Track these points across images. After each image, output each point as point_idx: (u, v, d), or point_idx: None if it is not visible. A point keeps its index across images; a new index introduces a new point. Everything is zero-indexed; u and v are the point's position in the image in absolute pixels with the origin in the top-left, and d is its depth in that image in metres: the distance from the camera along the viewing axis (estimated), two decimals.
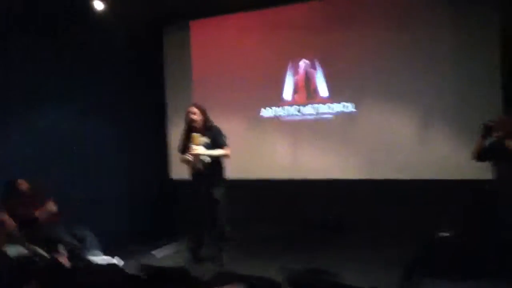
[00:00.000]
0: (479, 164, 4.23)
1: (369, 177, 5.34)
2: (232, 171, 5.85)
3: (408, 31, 5.12)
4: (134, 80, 6.59)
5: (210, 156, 4.36)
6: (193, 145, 4.32)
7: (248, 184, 5.77)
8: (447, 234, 4.43)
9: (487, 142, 4.02)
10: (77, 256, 4.21)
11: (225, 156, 4.47)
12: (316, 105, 5.64)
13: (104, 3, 5.29)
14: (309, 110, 5.69)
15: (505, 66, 4.68)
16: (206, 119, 4.46)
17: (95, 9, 5.29)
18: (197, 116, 4.42)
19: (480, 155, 4.10)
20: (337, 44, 5.47)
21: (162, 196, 6.49)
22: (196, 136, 4.35)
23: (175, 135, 6.41)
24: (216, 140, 4.40)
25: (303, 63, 5.68)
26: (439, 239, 4.35)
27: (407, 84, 5.18)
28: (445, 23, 4.96)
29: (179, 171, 6.25)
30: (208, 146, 4.38)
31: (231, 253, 4.51)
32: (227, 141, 4.47)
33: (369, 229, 5.13)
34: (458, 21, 4.91)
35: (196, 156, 4.33)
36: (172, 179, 6.60)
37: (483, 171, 4.32)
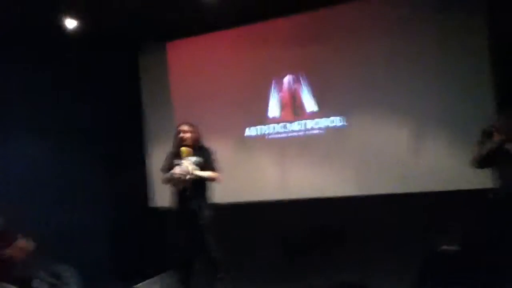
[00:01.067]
0: (478, 172, 4.10)
1: (361, 193, 5.13)
2: (218, 196, 5.63)
3: (395, 42, 5.02)
4: (110, 105, 6.34)
5: (197, 176, 4.08)
6: (183, 161, 4.05)
7: (236, 208, 5.50)
8: (452, 247, 4.29)
9: (488, 148, 3.89)
10: None
11: (214, 179, 4.20)
12: (303, 121, 5.46)
13: (77, 22, 5.02)
14: (296, 126, 5.50)
15: (496, 73, 4.61)
16: (198, 138, 4.21)
17: (67, 28, 5.01)
18: (188, 135, 4.17)
19: (481, 162, 3.97)
20: (323, 57, 5.33)
21: (144, 225, 6.14)
22: (186, 150, 4.09)
23: (155, 160, 6.18)
24: (207, 162, 4.14)
25: (287, 79, 5.52)
26: (442, 253, 4.18)
27: (396, 95, 5.04)
28: (433, 33, 4.88)
29: (161, 198, 6.02)
30: (197, 165, 4.11)
31: (225, 282, 4.18)
32: (218, 166, 4.23)
33: (366, 245, 4.91)
34: (446, 30, 4.83)
35: (182, 173, 4.04)
36: (153, 207, 6.27)
37: (482, 180, 4.20)
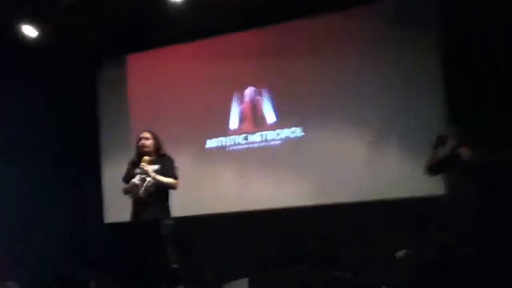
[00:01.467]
0: (432, 180, 4.26)
1: (320, 202, 5.19)
2: (178, 208, 5.54)
3: (352, 58, 5.19)
4: (65, 117, 6.17)
5: (158, 181, 4.01)
6: (142, 164, 3.97)
7: (196, 221, 5.43)
8: (405, 253, 4.40)
9: (440, 154, 4.05)
10: None
11: (173, 186, 4.14)
12: (263, 132, 5.51)
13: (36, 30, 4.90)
14: (256, 137, 5.54)
15: (448, 85, 4.83)
16: (159, 146, 4.15)
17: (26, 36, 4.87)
18: (149, 142, 4.11)
19: (434, 168, 4.12)
20: (284, 71, 5.43)
21: (101, 240, 5.94)
22: (147, 158, 4.02)
23: (110, 175, 6.02)
24: (167, 170, 4.08)
25: (249, 91, 5.58)
26: (399, 259, 4.28)
27: (353, 108, 5.19)
28: (387, 48, 5.09)
29: (115, 213, 5.86)
30: (159, 173, 4.04)
31: None
32: (178, 173, 4.18)
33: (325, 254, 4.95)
34: (399, 46, 5.04)
35: (139, 184, 3.96)
36: (109, 223, 6.08)
37: (435, 187, 4.36)
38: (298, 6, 5.23)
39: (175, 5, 4.91)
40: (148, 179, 3.99)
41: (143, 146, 4.11)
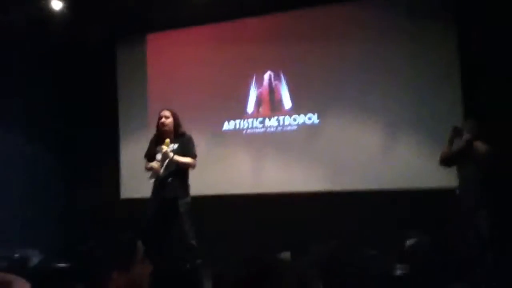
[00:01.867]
0: (446, 172, 4.32)
1: (334, 189, 5.29)
2: (194, 188, 5.66)
3: (371, 46, 5.22)
4: (85, 95, 6.32)
5: (177, 162, 4.12)
6: (163, 146, 4.08)
7: (212, 201, 5.55)
8: (413, 242, 4.48)
9: (455, 147, 4.12)
10: None
11: (191, 166, 4.25)
12: (280, 117, 5.59)
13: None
14: (273, 122, 5.62)
15: (464, 77, 4.87)
16: (177, 125, 4.26)
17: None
18: (169, 120, 4.21)
19: (448, 160, 4.19)
20: (302, 57, 5.47)
21: (117, 216, 6.10)
22: (167, 141, 4.12)
23: (128, 152, 6.15)
24: (186, 149, 4.19)
25: (268, 75, 5.64)
26: (409, 247, 4.36)
27: (369, 96, 5.24)
28: (406, 39, 5.11)
29: (133, 189, 5.99)
30: (177, 152, 4.17)
31: (201, 268, 4.21)
32: (196, 152, 4.29)
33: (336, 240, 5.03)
34: (417, 34, 5.07)
35: (162, 162, 4.08)
36: (126, 198, 6.23)
37: (449, 179, 4.43)
38: None
39: None
40: (169, 158, 4.10)
41: (163, 124, 4.21)
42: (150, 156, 4.25)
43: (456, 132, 4.05)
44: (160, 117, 4.27)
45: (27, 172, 5.60)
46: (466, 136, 4.00)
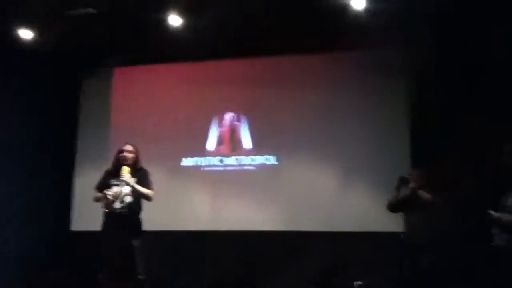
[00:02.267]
0: (395, 216, 4.58)
1: (289, 229, 5.44)
2: (151, 222, 5.65)
3: (326, 94, 5.59)
4: (42, 122, 6.24)
5: (137, 191, 4.15)
6: (123, 173, 4.10)
7: (168, 236, 5.56)
8: (361, 283, 4.66)
9: (401, 194, 4.39)
10: None
11: (148, 197, 4.26)
12: (240, 157, 5.76)
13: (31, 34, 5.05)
14: (232, 161, 5.77)
15: (413, 128, 5.25)
16: (137, 161, 4.31)
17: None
18: (131, 156, 4.26)
19: (395, 206, 4.45)
20: (263, 100, 5.75)
21: (65, 249, 5.95)
22: (126, 169, 4.14)
23: (82, 183, 6.08)
24: (144, 182, 4.24)
25: (229, 116, 5.83)
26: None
27: (325, 142, 5.53)
28: (359, 89, 5.49)
29: (82, 222, 5.91)
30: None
31: None
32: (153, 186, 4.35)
33: (289, 280, 5.16)
34: (370, 87, 5.46)
35: (115, 195, 4.10)
36: (75, 231, 6.11)
37: (396, 224, 4.69)
38: (281, 44, 5.59)
39: (169, 27, 5.14)
40: (125, 190, 4.12)
41: (125, 159, 4.23)
42: (102, 187, 4.24)
43: (402, 181, 4.32)
44: (122, 151, 4.31)
45: None
46: (411, 184, 4.27)
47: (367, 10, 4.81)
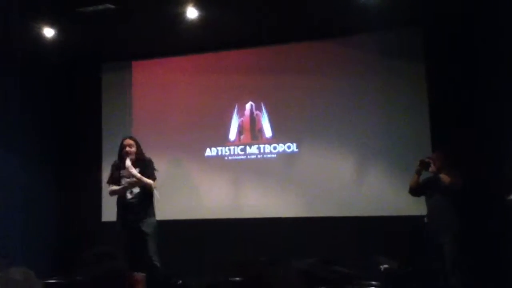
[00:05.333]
0: (417, 199, 4.62)
1: (310, 215, 5.54)
2: (175, 211, 5.80)
3: (345, 80, 5.59)
4: (69, 119, 6.44)
5: (139, 180, 4.32)
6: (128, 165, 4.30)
7: (192, 224, 5.71)
8: (387, 266, 4.72)
9: (423, 178, 4.43)
10: None
11: (150, 186, 4.42)
12: (261, 145, 5.84)
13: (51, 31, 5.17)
14: (254, 150, 5.86)
15: (433, 110, 5.24)
16: (139, 152, 4.49)
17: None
18: (133, 149, 4.44)
19: (416, 190, 4.50)
20: (282, 88, 5.79)
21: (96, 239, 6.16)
22: (128, 161, 4.38)
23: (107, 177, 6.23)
24: (146, 173, 4.41)
25: (249, 105, 5.91)
26: (383, 271, 4.60)
27: (344, 127, 5.57)
28: (376, 72, 5.49)
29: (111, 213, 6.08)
30: (141, 175, 4.39)
31: None
32: (157, 174, 4.54)
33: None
34: (388, 70, 5.46)
35: (125, 187, 4.31)
36: (106, 221, 6.30)
37: (419, 207, 4.72)
38: (299, 31, 5.61)
39: (187, 19, 5.21)
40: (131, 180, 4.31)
41: (127, 153, 4.44)
42: (113, 180, 4.47)
43: (423, 165, 4.36)
44: (124, 146, 4.47)
45: (17, 195, 5.69)
46: (432, 168, 4.30)
47: None
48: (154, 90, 6.28)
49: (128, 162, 4.35)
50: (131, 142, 4.49)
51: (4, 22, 4.89)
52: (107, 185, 6.06)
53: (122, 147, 4.50)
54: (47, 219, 6.02)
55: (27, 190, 5.80)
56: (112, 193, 4.51)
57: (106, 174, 6.28)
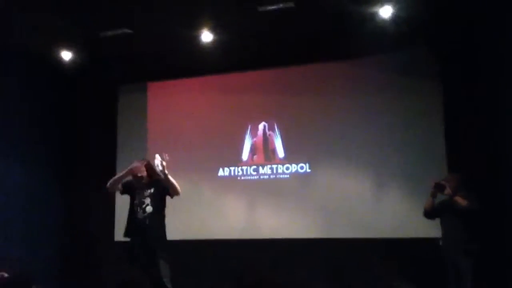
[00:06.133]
0: (431, 222, 4.57)
1: (323, 236, 5.50)
2: (187, 231, 5.81)
3: (361, 100, 5.59)
4: (85, 139, 6.56)
5: (167, 180, 4.14)
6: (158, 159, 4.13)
7: (204, 244, 5.73)
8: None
9: (437, 200, 4.39)
10: None
11: (178, 189, 4.19)
12: (274, 166, 5.86)
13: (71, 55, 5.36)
14: (266, 170, 5.88)
15: (449, 129, 5.21)
16: (152, 173, 4.29)
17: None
18: (144, 173, 4.27)
19: (431, 213, 4.45)
20: (295, 109, 5.82)
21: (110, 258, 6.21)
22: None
23: (120, 197, 6.27)
24: (162, 191, 4.22)
25: (262, 126, 5.95)
26: None
27: (359, 148, 5.54)
28: (394, 94, 5.49)
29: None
30: (154, 196, 4.23)
31: None
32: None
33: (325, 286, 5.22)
34: (405, 92, 5.45)
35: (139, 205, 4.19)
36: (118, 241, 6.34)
37: (434, 229, 4.67)
38: (312, 52, 5.68)
39: (201, 42, 5.33)
40: (147, 201, 4.18)
41: (142, 177, 4.26)
42: (126, 185, 4.31)
43: (438, 188, 4.30)
44: (136, 176, 4.29)
45: (26, 208, 5.80)
46: (447, 191, 4.26)
47: (394, 16, 4.84)
48: (169, 111, 6.37)
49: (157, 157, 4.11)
50: (140, 168, 4.27)
51: (26, 44, 5.07)
52: (122, 204, 6.15)
53: (134, 176, 4.29)
54: (58, 238, 6.10)
55: (41, 209, 5.95)
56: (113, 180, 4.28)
57: (120, 196, 6.43)
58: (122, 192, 4.38)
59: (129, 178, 4.37)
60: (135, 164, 4.28)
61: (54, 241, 6.14)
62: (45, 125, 6.18)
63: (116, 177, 4.30)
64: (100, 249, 6.25)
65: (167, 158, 4.14)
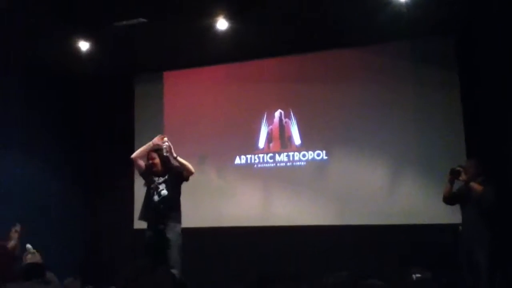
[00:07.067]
0: (449, 208, 4.53)
1: (340, 223, 5.51)
2: (204, 219, 5.87)
3: (377, 87, 5.55)
4: (101, 129, 6.65)
5: (179, 162, 4.25)
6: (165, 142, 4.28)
7: (221, 232, 5.79)
8: (420, 275, 4.65)
9: (455, 186, 4.34)
10: None
11: (191, 169, 4.29)
12: (290, 153, 5.86)
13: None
14: (283, 158, 5.89)
15: (467, 116, 5.15)
16: (164, 162, 4.32)
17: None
18: (157, 161, 4.32)
19: (450, 199, 4.41)
20: (311, 96, 5.81)
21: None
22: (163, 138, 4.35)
23: (140, 185, 6.37)
24: (174, 179, 4.29)
25: (278, 113, 5.95)
26: (416, 281, 4.53)
27: (375, 135, 5.53)
28: (411, 81, 5.45)
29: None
30: (168, 184, 4.26)
31: None
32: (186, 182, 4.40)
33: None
34: (421, 76, 5.41)
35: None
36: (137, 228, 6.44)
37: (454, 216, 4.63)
38: (328, 39, 5.61)
39: (216, 31, 5.31)
40: (161, 186, 4.25)
41: (154, 166, 4.32)
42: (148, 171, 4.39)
43: (454, 174, 4.25)
44: (148, 159, 4.38)
45: (49, 201, 5.94)
46: (462, 177, 4.21)
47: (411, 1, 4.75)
48: (185, 100, 6.41)
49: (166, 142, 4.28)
50: (154, 155, 4.34)
51: (41, 35, 5.13)
52: (140, 194, 6.23)
53: (148, 159, 4.38)
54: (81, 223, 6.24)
55: (60, 201, 6.10)
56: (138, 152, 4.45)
57: (138, 183, 6.51)
58: (142, 173, 4.45)
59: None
60: (156, 139, 4.41)
61: (75, 233, 6.30)
62: (63, 119, 6.30)
63: (140, 149, 4.48)
64: (118, 238, 6.37)
65: (166, 139, 4.31)
